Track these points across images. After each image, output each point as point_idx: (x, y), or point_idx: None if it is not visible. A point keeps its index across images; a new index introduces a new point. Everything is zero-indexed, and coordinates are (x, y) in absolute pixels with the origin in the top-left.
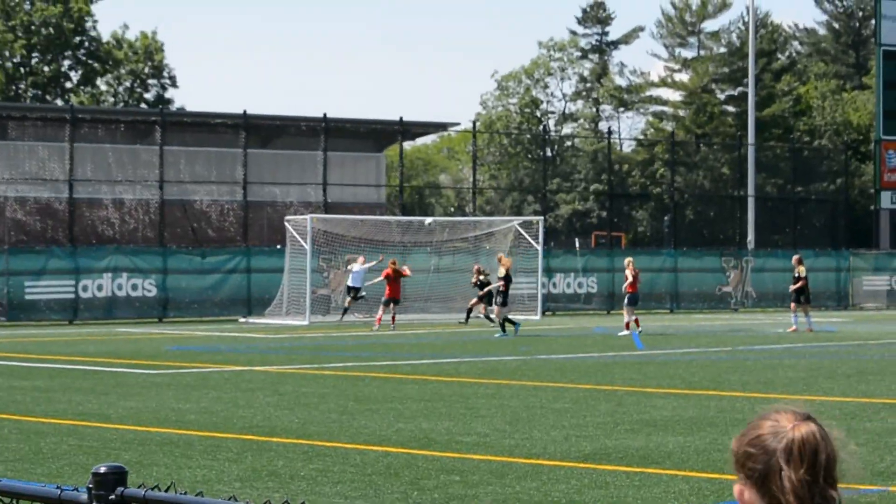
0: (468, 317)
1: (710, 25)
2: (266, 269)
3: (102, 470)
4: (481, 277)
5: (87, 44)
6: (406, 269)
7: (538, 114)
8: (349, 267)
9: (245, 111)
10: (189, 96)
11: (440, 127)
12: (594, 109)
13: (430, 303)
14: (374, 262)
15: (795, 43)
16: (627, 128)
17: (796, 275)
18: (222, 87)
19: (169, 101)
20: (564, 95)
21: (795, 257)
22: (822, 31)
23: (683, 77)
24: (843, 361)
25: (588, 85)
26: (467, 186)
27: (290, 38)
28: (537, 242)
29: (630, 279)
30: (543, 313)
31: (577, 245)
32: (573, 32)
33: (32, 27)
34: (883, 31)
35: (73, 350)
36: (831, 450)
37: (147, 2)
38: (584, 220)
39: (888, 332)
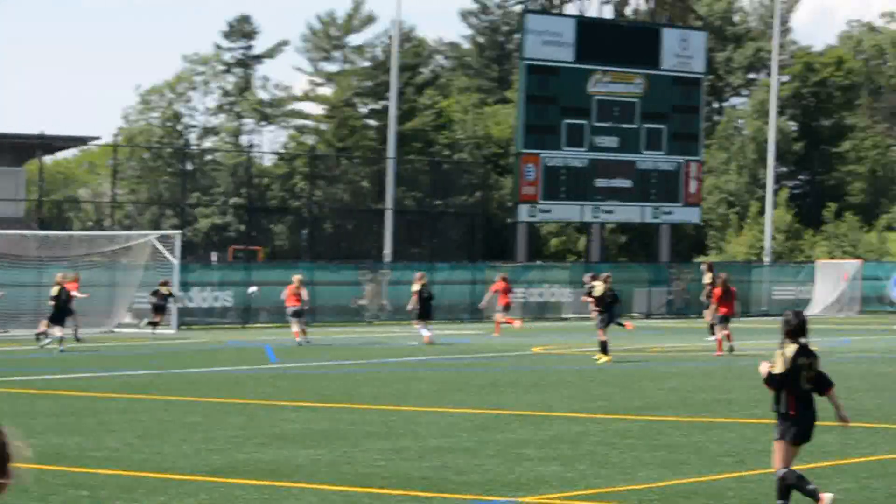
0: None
1: (355, 39)
2: None
3: None
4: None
5: None
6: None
7: (180, 127)
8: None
9: None
10: None
11: (81, 141)
12: (236, 123)
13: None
14: None
15: (440, 57)
16: (269, 142)
17: (415, 288)
18: None
19: None
20: (207, 109)
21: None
22: (466, 46)
23: (327, 91)
24: (476, 374)
25: (231, 99)
26: (107, 201)
27: None
28: (174, 256)
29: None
30: (179, 327)
31: (214, 259)
32: (218, 46)
33: None
34: (527, 46)
35: None
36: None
37: None
38: (223, 234)
39: (521, 343)
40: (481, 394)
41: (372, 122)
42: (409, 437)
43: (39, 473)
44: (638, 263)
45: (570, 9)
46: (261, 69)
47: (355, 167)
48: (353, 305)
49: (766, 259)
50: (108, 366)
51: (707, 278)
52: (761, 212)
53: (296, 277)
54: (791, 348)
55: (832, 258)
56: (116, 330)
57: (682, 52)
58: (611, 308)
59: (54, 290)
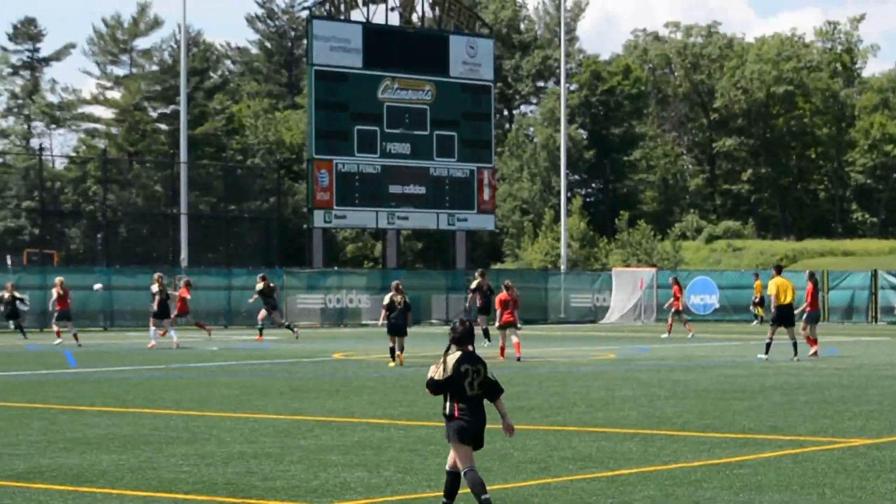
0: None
1: (142, 43)
2: None
3: None
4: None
5: None
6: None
7: None
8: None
9: None
10: None
11: None
12: (26, 126)
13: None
14: None
15: (228, 62)
16: (60, 145)
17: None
18: None
19: None
20: None
21: None
22: (254, 51)
23: (116, 94)
24: (277, 379)
25: (19, 101)
26: None
27: None
28: None
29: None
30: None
31: (9, 262)
32: (4, 49)
33: None
34: (315, 52)
35: None
36: None
37: None
38: (17, 237)
39: (322, 349)
40: (283, 399)
41: (163, 126)
42: (212, 442)
43: None
44: (435, 270)
45: (356, 15)
46: (48, 72)
47: (148, 171)
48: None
49: (563, 267)
50: None
51: (474, 284)
52: (556, 219)
53: (60, 280)
54: (455, 356)
55: (627, 266)
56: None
57: (471, 59)
58: (404, 315)
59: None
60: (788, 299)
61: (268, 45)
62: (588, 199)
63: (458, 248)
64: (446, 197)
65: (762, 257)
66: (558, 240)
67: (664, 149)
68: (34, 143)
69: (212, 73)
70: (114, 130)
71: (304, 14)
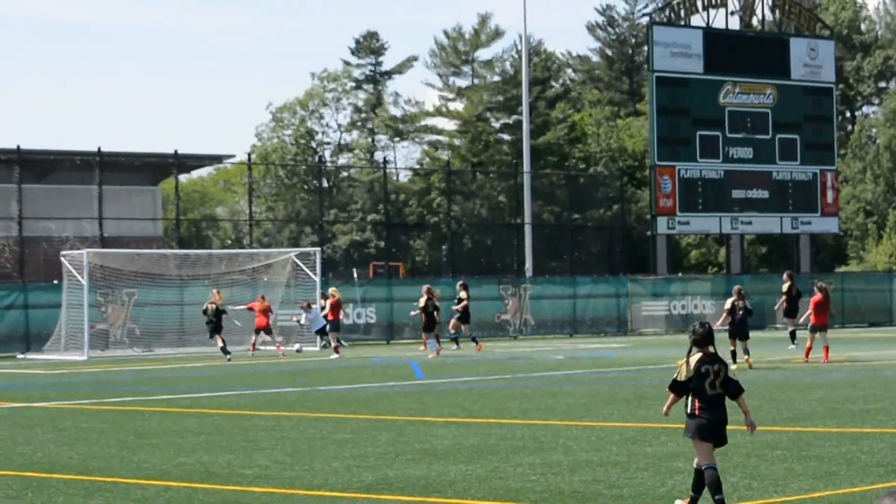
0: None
1: (483, 54)
2: (43, 304)
3: None
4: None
5: None
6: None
7: (314, 144)
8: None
9: (18, 146)
10: None
11: (215, 159)
12: (370, 139)
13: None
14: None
15: (569, 70)
16: (403, 157)
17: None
18: None
19: None
20: (339, 126)
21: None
22: (595, 59)
23: (458, 106)
24: (623, 387)
25: (363, 115)
26: (244, 219)
27: (63, 71)
28: (315, 273)
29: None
30: (323, 346)
31: (356, 275)
32: (347, 63)
33: None
34: (656, 58)
35: None
36: None
37: None
38: (362, 251)
39: (666, 356)
40: (629, 407)
41: (505, 137)
42: (559, 451)
43: (191, 492)
44: (779, 274)
45: (696, 20)
46: (391, 85)
47: (491, 182)
48: (496, 320)
49: None
50: (255, 383)
51: (785, 287)
52: None
53: (333, 289)
54: (696, 357)
55: None
56: (261, 347)
57: (811, 61)
58: (744, 320)
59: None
60: None
61: (608, 52)
62: None
63: (802, 252)
64: (789, 200)
65: None
66: None
67: None
68: (378, 156)
69: (553, 83)
70: (457, 142)
71: (645, 21)
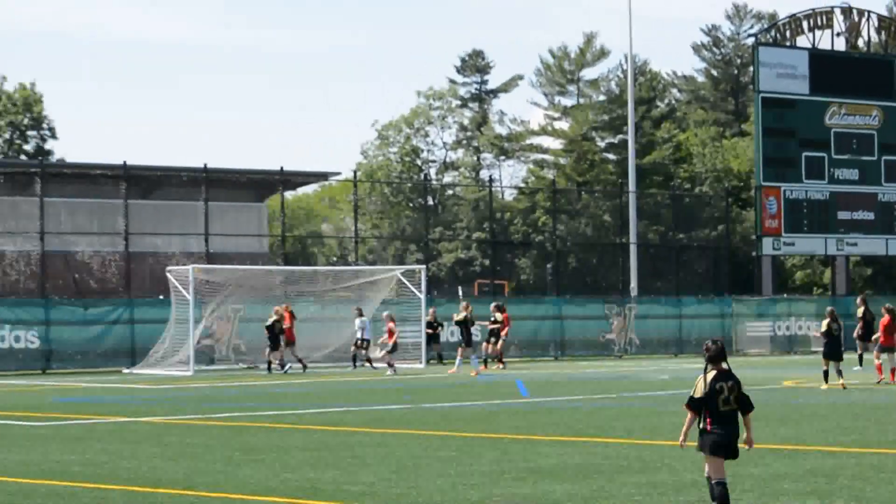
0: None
1: (588, 73)
2: (149, 319)
3: None
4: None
5: None
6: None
7: (419, 162)
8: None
9: (125, 162)
10: (69, 147)
11: (321, 176)
12: (475, 158)
13: (313, 351)
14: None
15: (674, 90)
16: (509, 176)
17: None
18: (102, 139)
19: (49, 153)
20: (445, 144)
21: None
22: (700, 79)
23: (563, 125)
24: None
25: (468, 133)
26: (349, 236)
27: (170, 89)
28: (420, 291)
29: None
30: (428, 361)
31: (460, 293)
32: (452, 81)
33: None
34: (761, 79)
35: None
36: None
37: (25, 54)
38: (467, 269)
39: (772, 377)
40: None
41: (610, 156)
42: (664, 471)
43: None
44: (885, 296)
45: (801, 41)
46: (496, 104)
47: (596, 201)
48: (600, 340)
49: None
50: (360, 400)
51: (860, 311)
52: None
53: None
54: (711, 374)
55: None
56: (366, 365)
57: None
58: (838, 341)
59: (271, 320)
60: None
61: (714, 72)
62: None
63: None
64: (895, 223)
65: None
66: None
67: None
68: (484, 174)
69: (659, 102)
70: (562, 160)
71: (750, 41)
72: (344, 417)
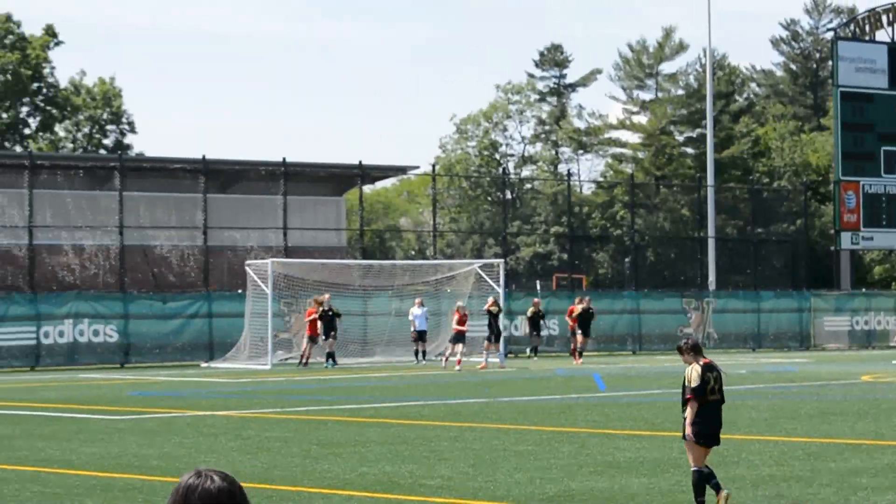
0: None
1: (667, 67)
2: (227, 313)
3: None
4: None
5: (45, 90)
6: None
7: (497, 156)
8: (415, 311)
9: (204, 156)
10: (148, 142)
11: (400, 170)
12: (553, 152)
13: (391, 346)
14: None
15: (753, 84)
16: (587, 170)
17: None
18: (181, 133)
19: (128, 147)
20: (523, 138)
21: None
22: (779, 73)
23: (642, 119)
24: (806, 402)
25: (547, 127)
26: (428, 230)
27: (249, 83)
28: (498, 285)
29: None
30: (505, 355)
31: (538, 287)
32: (531, 75)
33: None
34: (840, 73)
35: (35, 396)
36: None
37: (105, 49)
38: (545, 263)
39: (850, 372)
40: (812, 422)
41: (689, 150)
42: (742, 465)
43: (374, 502)
44: None
45: (881, 35)
46: (574, 98)
47: (674, 195)
48: (678, 334)
49: None
50: (438, 394)
51: None
52: None
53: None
54: (700, 366)
55: None
56: (439, 357)
57: None
58: None
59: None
60: None
61: (792, 66)
62: None
63: None
64: None
65: None
66: None
67: None
68: (562, 168)
69: (737, 97)
70: (640, 155)
71: (829, 35)
72: (421, 411)
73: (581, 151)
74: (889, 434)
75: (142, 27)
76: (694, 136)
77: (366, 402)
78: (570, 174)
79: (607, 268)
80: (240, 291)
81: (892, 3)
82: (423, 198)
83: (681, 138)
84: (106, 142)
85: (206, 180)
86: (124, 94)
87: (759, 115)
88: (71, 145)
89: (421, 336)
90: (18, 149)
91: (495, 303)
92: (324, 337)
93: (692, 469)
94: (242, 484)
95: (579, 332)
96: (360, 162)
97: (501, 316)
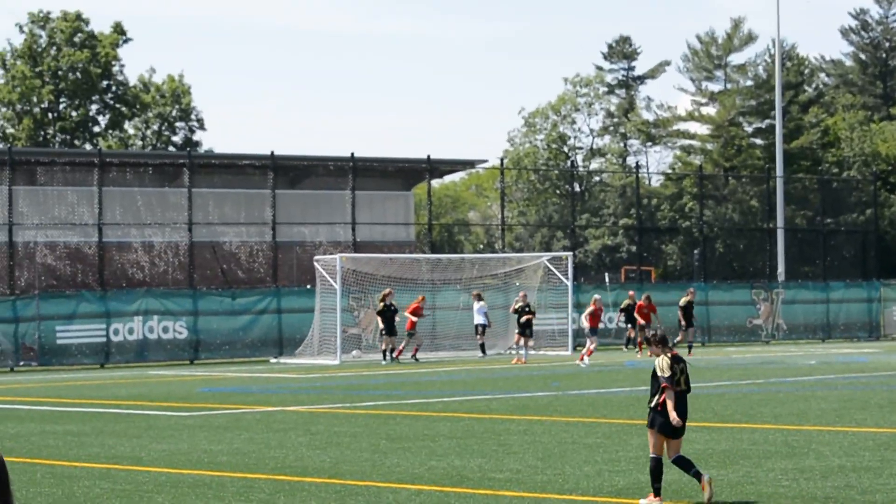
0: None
1: (736, 58)
2: (296, 309)
3: None
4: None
5: (114, 88)
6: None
7: (566, 149)
8: (473, 305)
9: (272, 152)
10: (217, 138)
11: (468, 164)
12: (622, 144)
13: (460, 340)
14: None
15: (822, 75)
16: (655, 162)
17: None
18: (249, 129)
19: (197, 144)
20: (592, 131)
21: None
22: (848, 63)
23: (710, 110)
24: (876, 392)
25: (615, 120)
26: (496, 223)
27: (317, 78)
28: (567, 278)
29: None
30: (574, 348)
31: (607, 280)
32: (599, 68)
33: (60, 72)
34: None
35: (105, 394)
36: None
37: (174, 45)
38: (614, 255)
39: None
40: (883, 412)
41: (758, 141)
42: (811, 456)
43: (443, 496)
44: None
45: None
46: (643, 89)
47: (743, 186)
48: (748, 325)
49: None
50: (507, 387)
51: None
52: None
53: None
54: (668, 358)
55: None
56: (510, 352)
57: None
58: None
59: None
60: None
61: (862, 56)
62: None
63: None
64: None
65: None
66: None
67: None
68: (630, 160)
69: (806, 87)
70: (709, 146)
71: None
72: (490, 405)
73: (650, 143)
74: None
75: (209, 23)
76: (763, 126)
77: (435, 396)
78: (638, 166)
79: (676, 260)
80: (308, 287)
81: None
82: (491, 192)
83: (749, 129)
84: (175, 139)
85: (275, 176)
86: (193, 91)
87: (828, 106)
88: (140, 143)
89: (477, 330)
90: (88, 146)
91: (525, 297)
92: (386, 332)
93: (651, 456)
94: (311, 479)
95: (684, 323)
96: (429, 156)
97: (571, 309)
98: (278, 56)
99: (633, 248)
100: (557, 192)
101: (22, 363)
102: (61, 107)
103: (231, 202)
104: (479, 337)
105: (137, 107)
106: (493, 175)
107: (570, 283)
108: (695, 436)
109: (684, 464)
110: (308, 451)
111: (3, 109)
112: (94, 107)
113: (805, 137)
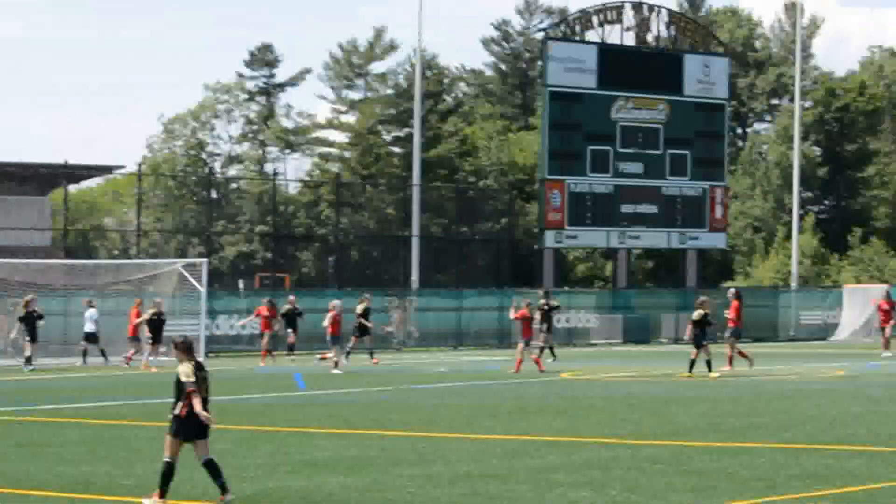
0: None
1: (377, 67)
2: None
3: None
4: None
5: None
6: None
7: (204, 156)
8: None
9: None
10: None
11: (105, 170)
12: (260, 151)
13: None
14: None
15: (462, 84)
16: (294, 169)
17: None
18: None
19: None
20: (231, 137)
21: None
22: (489, 73)
23: (350, 119)
24: (505, 399)
25: (254, 127)
26: (132, 229)
27: None
28: (201, 284)
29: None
30: (206, 355)
31: (241, 286)
32: (241, 75)
33: None
34: (549, 73)
35: None
36: None
37: None
38: (249, 262)
39: (550, 369)
40: (511, 419)
41: (396, 150)
42: (439, 463)
43: (69, 501)
44: (665, 288)
45: (591, 35)
46: (283, 97)
47: (380, 194)
48: (380, 332)
49: (794, 284)
50: (138, 394)
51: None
52: (787, 237)
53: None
54: (191, 364)
55: (859, 283)
56: (152, 358)
57: (705, 78)
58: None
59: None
60: None
61: (502, 67)
62: (820, 216)
63: (688, 267)
64: (678, 216)
65: None
66: (789, 257)
67: None
68: (268, 168)
69: (446, 96)
70: (347, 154)
71: (540, 36)
72: (121, 411)
73: (288, 151)
74: (586, 431)
75: None
76: (402, 135)
77: (66, 402)
78: (275, 173)
79: (311, 267)
80: None
81: (604, 4)
82: (128, 198)
83: (388, 138)
84: None
85: None
86: None
87: (467, 115)
88: None
89: (88, 338)
90: None
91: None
92: (28, 339)
93: (165, 460)
94: None
95: (544, 326)
96: (66, 161)
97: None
98: None
99: (269, 255)
100: (195, 198)
101: None
102: None
103: None
104: (83, 344)
105: None
106: (130, 181)
107: (204, 290)
108: (324, 443)
109: (214, 471)
110: None
111: None
112: None
113: (443, 146)
